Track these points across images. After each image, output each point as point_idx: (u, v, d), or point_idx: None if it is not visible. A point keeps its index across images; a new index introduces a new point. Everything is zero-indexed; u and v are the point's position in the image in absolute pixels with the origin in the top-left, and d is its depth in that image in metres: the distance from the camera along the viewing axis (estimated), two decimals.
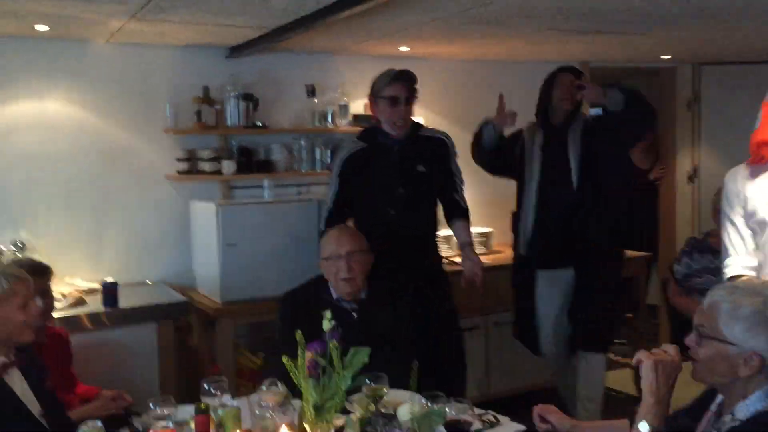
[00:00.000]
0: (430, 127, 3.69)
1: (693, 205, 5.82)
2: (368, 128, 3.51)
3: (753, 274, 2.38)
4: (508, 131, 3.75)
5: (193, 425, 2.07)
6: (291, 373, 1.84)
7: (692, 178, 5.85)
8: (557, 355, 3.83)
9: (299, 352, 1.81)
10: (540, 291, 3.71)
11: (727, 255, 2.47)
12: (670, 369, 1.74)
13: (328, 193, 3.42)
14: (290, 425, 1.89)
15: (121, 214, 4.03)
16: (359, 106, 4.50)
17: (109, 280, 3.51)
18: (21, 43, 3.71)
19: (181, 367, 3.69)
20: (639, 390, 1.81)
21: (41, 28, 3.42)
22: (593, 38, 4.06)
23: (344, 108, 4.36)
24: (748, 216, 2.38)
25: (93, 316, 3.40)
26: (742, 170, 2.44)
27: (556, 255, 3.64)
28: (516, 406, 2.57)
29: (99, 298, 3.57)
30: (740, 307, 1.65)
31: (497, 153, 3.71)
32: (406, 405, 1.86)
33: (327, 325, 1.85)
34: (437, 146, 3.37)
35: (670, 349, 1.80)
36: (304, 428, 1.88)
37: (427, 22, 3.41)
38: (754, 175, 2.39)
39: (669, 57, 5.18)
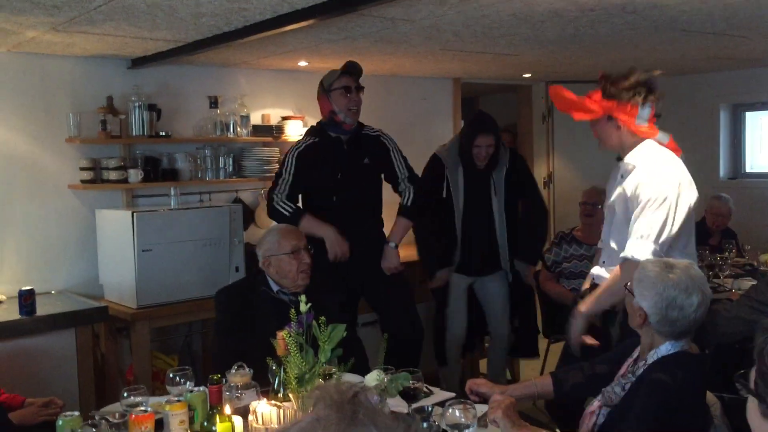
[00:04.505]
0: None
1: (549, 206, 6.51)
2: (317, 125, 3.83)
3: None
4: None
5: (168, 408, 2.24)
6: (277, 349, 2.07)
7: (547, 183, 6.55)
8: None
9: (283, 333, 2.05)
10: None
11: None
12: (512, 407, 2.11)
13: (280, 182, 3.69)
14: (269, 398, 2.13)
15: (23, 224, 3.99)
16: (258, 117, 4.72)
17: (26, 288, 3.51)
18: None
19: (95, 373, 3.74)
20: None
21: None
22: (468, 57, 4.54)
23: (245, 118, 4.55)
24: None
25: (10, 324, 3.39)
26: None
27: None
28: None
29: (5, 307, 3.57)
30: (647, 270, 2.10)
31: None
32: (374, 372, 2.16)
33: (303, 307, 2.11)
34: (379, 143, 3.80)
35: (498, 396, 2.20)
36: (281, 400, 2.12)
37: (337, 41, 3.71)
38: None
39: (529, 75, 5.82)
